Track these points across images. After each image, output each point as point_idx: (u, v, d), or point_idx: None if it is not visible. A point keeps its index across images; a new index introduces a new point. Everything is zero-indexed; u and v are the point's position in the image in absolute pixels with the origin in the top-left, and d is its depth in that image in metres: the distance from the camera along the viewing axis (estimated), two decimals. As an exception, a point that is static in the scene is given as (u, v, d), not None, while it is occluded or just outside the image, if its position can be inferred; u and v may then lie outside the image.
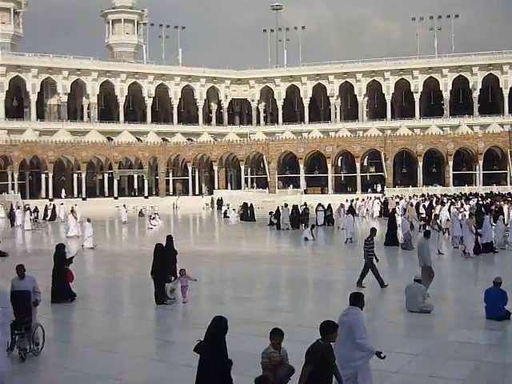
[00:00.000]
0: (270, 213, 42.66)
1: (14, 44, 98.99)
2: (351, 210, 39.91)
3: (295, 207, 40.39)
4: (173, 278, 16.97)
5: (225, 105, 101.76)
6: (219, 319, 8.46)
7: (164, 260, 16.89)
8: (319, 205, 41.95)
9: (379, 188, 75.53)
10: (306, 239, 31.89)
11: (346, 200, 48.93)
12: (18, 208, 51.74)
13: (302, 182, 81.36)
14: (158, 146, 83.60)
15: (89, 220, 31.10)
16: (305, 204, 43.54)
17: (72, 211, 38.14)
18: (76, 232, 35.36)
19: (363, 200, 53.11)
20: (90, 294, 18.50)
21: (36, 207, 49.73)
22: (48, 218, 51.92)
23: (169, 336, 13.72)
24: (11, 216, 48.21)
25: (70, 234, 35.44)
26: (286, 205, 40.90)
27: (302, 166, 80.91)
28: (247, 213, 49.36)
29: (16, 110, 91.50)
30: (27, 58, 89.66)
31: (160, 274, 16.51)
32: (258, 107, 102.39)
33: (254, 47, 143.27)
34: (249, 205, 50.30)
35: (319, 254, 28.65)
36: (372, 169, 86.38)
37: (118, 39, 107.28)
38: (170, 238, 19.43)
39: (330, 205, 42.49)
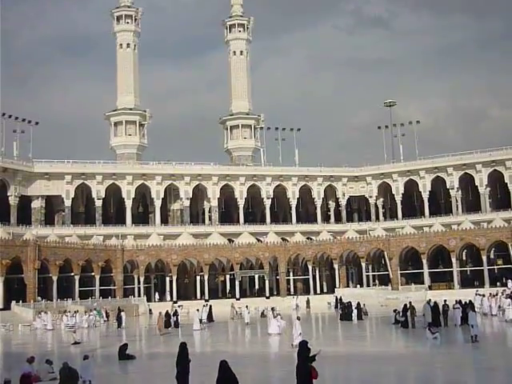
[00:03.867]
0: (395, 310, 41.42)
1: (139, 154, 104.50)
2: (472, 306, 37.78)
3: (435, 304, 37.96)
4: None
5: (343, 202, 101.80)
6: None
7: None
8: (457, 302, 39.25)
9: (510, 283, 70.90)
10: (435, 338, 30.53)
11: (479, 295, 46.62)
12: (122, 311, 53.29)
13: (426, 278, 78.90)
14: (277, 245, 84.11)
15: (298, 318, 31.92)
16: (444, 301, 40.53)
17: (272, 309, 39.32)
18: (277, 330, 36.88)
19: (493, 296, 49.60)
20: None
21: (176, 310, 50.11)
22: (206, 319, 51.77)
23: None
24: (119, 318, 50.61)
25: (272, 332, 36.92)
26: (429, 301, 38.70)
27: (424, 261, 78.70)
28: (349, 311, 47.92)
29: (142, 216, 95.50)
30: (151, 166, 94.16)
31: None
32: (376, 203, 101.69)
33: (369, 144, 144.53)
34: (353, 303, 49.13)
35: (449, 353, 27.29)
36: (500, 261, 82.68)
37: (236, 144, 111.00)
38: (183, 346, 17.66)
39: (470, 301, 40.07)
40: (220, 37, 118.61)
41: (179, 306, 59.29)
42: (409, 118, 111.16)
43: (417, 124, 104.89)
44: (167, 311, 47.73)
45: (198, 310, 48.53)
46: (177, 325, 45.94)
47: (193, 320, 46.26)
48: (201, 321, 46.51)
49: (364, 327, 42.63)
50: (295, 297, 73.45)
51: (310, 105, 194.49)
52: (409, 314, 38.30)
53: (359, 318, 46.99)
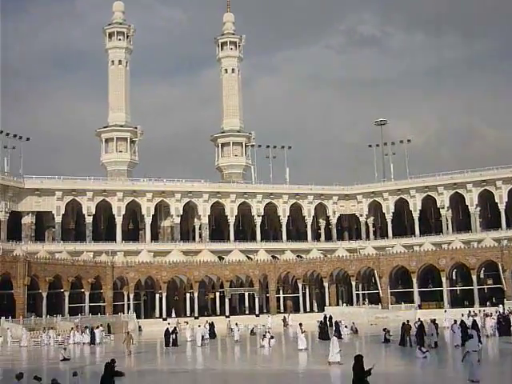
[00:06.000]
0: (384, 329, 41.48)
1: (129, 170, 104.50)
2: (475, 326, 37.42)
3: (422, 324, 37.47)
4: None
5: (333, 221, 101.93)
6: None
7: None
8: (456, 322, 37.91)
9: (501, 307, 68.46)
10: (425, 357, 30.44)
11: (462, 315, 46.31)
12: (98, 327, 54.10)
13: (416, 297, 78.90)
14: (267, 263, 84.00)
15: (335, 336, 32.71)
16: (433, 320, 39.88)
17: (300, 325, 39.53)
18: (304, 345, 37.79)
19: (487, 316, 48.93)
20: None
21: (175, 327, 49.11)
22: (208, 336, 50.80)
23: None
24: (92, 334, 51.19)
25: (301, 347, 37.55)
26: (434, 320, 38.33)
27: (414, 280, 78.74)
28: (326, 330, 47.26)
29: (132, 233, 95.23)
30: (142, 183, 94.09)
31: None
32: (366, 222, 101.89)
33: (360, 162, 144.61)
34: (343, 322, 48.93)
35: (439, 372, 27.25)
36: (489, 281, 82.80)
37: (227, 161, 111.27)
38: (108, 366, 18.78)
39: (475, 321, 39.74)
40: (212, 54, 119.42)
41: (185, 322, 58.83)
42: (400, 136, 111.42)
43: (408, 143, 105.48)
44: (167, 329, 47.06)
45: (199, 325, 48.05)
46: (175, 343, 45.07)
47: (193, 337, 45.91)
48: (203, 337, 46.15)
49: (358, 346, 42.53)
50: (269, 316, 72.58)
51: (301, 123, 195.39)
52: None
53: (338, 337, 46.51)
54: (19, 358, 41.37)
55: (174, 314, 77.15)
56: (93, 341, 50.47)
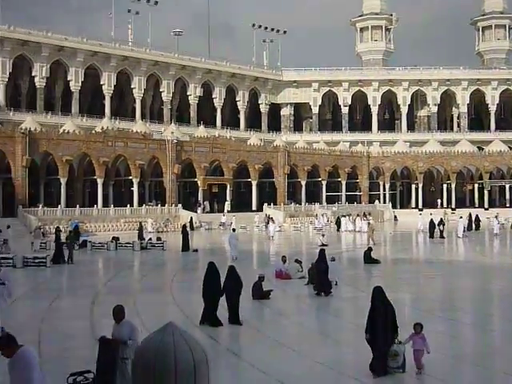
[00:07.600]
0: None
1: (385, 59, 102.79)
2: None
3: None
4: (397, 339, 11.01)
5: None
6: None
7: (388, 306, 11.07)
8: None
9: None
10: None
11: None
12: (344, 216, 55.50)
13: None
14: (532, 154, 79.12)
15: None
16: None
17: None
18: None
19: None
20: (458, 305, 18.31)
21: (441, 219, 48.59)
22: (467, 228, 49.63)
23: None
24: (338, 222, 53.76)
25: None
26: None
27: None
28: None
29: (387, 123, 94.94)
30: (398, 72, 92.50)
31: (386, 329, 10.86)
32: None
33: None
34: None
35: None
36: None
37: (488, 46, 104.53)
38: (322, 252, 20.02)
39: None
40: None
41: (452, 213, 58.53)
42: None
43: None
44: (431, 220, 46.01)
45: (461, 217, 47.11)
46: (442, 235, 44.12)
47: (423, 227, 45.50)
48: (464, 229, 45.26)
49: None
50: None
51: None
52: None
53: None
54: (280, 242, 44.04)
55: (439, 205, 76.50)
56: (338, 228, 52.65)
